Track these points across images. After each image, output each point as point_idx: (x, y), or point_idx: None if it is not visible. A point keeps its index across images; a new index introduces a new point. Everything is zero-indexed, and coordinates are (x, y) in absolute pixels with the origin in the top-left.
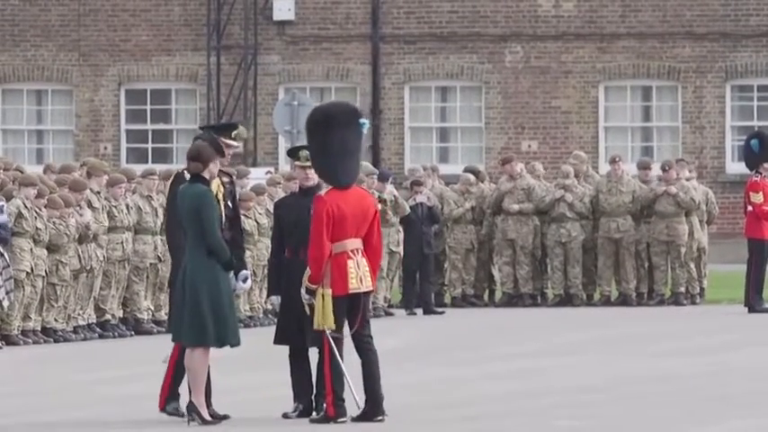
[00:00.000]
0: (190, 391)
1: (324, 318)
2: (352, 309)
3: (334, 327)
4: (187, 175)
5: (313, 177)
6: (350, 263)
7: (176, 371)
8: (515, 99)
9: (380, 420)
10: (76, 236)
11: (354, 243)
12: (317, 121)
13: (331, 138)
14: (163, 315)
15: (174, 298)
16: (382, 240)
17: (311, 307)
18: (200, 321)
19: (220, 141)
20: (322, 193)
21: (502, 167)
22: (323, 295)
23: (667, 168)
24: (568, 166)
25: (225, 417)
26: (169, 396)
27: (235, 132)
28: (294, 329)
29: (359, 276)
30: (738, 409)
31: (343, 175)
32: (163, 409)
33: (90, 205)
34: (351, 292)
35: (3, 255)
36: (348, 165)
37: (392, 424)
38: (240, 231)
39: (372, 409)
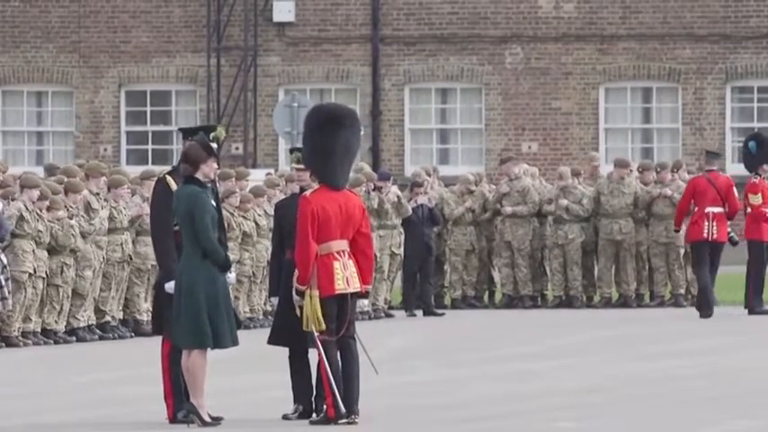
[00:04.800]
0: (187, 393)
1: (312, 319)
2: (341, 311)
3: (323, 328)
4: (169, 178)
5: (307, 177)
6: (336, 264)
7: (172, 376)
8: (515, 100)
9: (353, 421)
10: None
11: (340, 245)
12: (320, 120)
13: (333, 138)
14: None
15: (163, 299)
16: (374, 242)
17: (301, 309)
18: (197, 323)
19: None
20: (307, 193)
21: (500, 167)
22: (310, 297)
23: (659, 170)
24: (566, 167)
25: (218, 418)
26: (176, 403)
27: (213, 135)
28: (293, 331)
29: (345, 277)
30: (738, 410)
31: (342, 177)
32: (173, 419)
33: (89, 207)
34: (337, 292)
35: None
36: (347, 167)
37: (392, 425)
38: (223, 230)
39: (346, 409)
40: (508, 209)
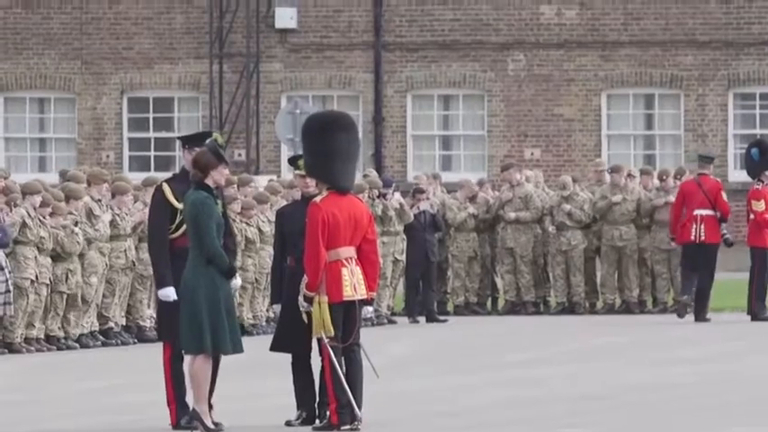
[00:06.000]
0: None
1: (321, 325)
2: (347, 317)
3: (332, 334)
4: (165, 186)
5: (313, 185)
6: (344, 270)
7: (174, 382)
8: (518, 107)
9: (356, 428)
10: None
11: (348, 251)
12: (318, 125)
13: (333, 141)
14: None
15: (163, 306)
16: (378, 249)
17: (309, 315)
18: (196, 328)
19: (193, 152)
20: (317, 199)
21: (502, 174)
22: (319, 303)
23: (665, 178)
24: (567, 177)
25: (218, 425)
26: (179, 409)
27: (209, 141)
28: (296, 337)
29: (353, 284)
30: (741, 417)
31: (344, 180)
32: (176, 425)
33: (92, 213)
34: (345, 299)
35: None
36: (349, 169)
37: (394, 431)
38: (230, 235)
39: (350, 416)
40: (511, 214)
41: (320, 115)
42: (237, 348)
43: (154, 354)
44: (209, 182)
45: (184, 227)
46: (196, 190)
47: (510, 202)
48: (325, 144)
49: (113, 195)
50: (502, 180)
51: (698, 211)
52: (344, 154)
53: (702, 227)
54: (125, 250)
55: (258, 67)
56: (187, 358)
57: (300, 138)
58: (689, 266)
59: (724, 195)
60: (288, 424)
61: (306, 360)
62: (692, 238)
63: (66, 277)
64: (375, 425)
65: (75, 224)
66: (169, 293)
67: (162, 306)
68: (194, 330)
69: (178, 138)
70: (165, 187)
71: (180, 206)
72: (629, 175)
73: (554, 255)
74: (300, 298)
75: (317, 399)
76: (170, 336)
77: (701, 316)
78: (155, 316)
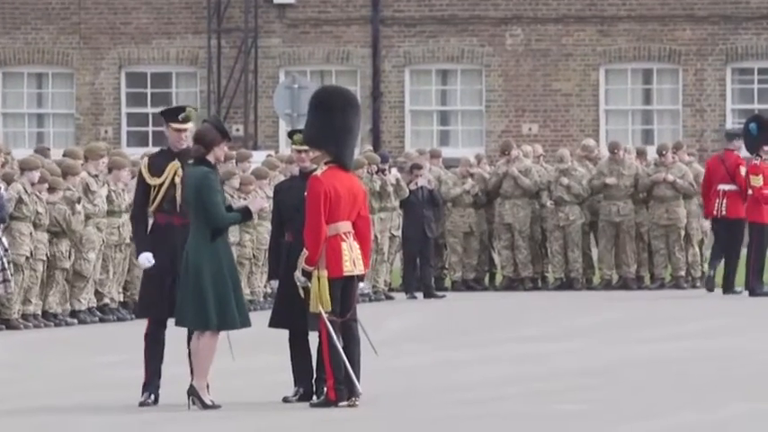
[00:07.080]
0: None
1: (320, 300)
2: (345, 292)
3: (329, 309)
4: (144, 161)
5: (309, 159)
6: (343, 245)
7: (146, 351)
8: (516, 82)
9: (353, 404)
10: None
11: (346, 226)
12: (345, 101)
13: (355, 119)
14: None
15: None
16: (371, 225)
17: (305, 290)
18: (202, 304)
19: (170, 127)
20: (318, 173)
21: (510, 155)
22: (318, 278)
23: (664, 153)
24: (565, 150)
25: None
26: (144, 383)
27: (182, 115)
28: (294, 313)
29: (352, 259)
30: (739, 392)
31: (353, 156)
32: (142, 393)
33: (88, 189)
34: (345, 274)
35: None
36: (354, 146)
37: (392, 407)
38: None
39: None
40: (514, 169)
41: (341, 90)
42: (245, 323)
43: None
44: (210, 158)
45: (156, 203)
46: (197, 165)
47: (507, 177)
48: (348, 120)
49: (110, 170)
50: (501, 156)
51: (721, 186)
52: (357, 132)
53: (725, 201)
54: (119, 227)
55: (256, 41)
56: (194, 334)
57: (318, 110)
58: (718, 242)
59: (742, 171)
60: (285, 400)
61: (303, 336)
62: (715, 213)
63: (70, 254)
64: (372, 400)
65: (78, 201)
66: (147, 257)
67: (141, 283)
68: (200, 307)
69: (160, 113)
70: (144, 162)
71: (152, 182)
72: (625, 150)
73: (552, 230)
74: (297, 272)
75: (315, 375)
76: (145, 313)
77: (727, 290)
78: None
